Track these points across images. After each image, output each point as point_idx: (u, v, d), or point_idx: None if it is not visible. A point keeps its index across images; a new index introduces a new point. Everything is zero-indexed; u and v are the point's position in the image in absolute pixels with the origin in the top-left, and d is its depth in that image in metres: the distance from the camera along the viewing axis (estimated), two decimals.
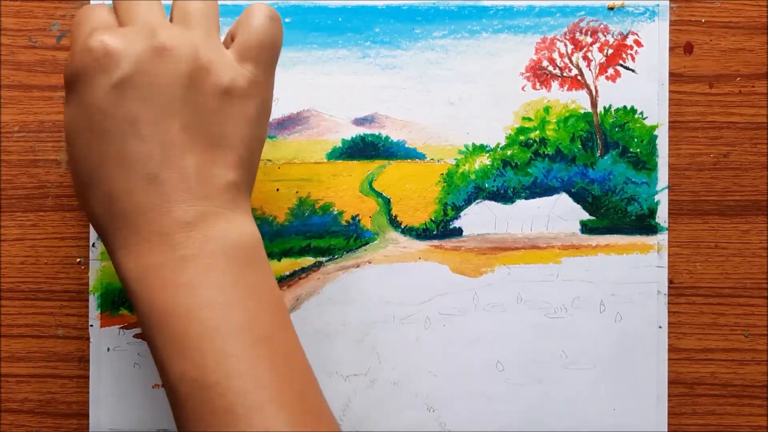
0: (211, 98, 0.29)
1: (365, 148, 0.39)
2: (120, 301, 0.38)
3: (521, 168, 0.39)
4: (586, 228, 0.39)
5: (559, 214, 0.39)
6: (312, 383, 0.29)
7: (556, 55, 0.39)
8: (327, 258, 0.38)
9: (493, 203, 0.39)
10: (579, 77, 0.39)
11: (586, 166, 0.39)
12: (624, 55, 0.39)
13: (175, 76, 0.28)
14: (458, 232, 0.39)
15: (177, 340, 0.27)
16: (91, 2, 0.30)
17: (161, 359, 0.28)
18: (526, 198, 0.39)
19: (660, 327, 0.38)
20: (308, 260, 0.38)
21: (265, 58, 0.30)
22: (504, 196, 0.39)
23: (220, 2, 0.38)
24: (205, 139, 0.29)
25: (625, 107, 0.39)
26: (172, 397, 0.28)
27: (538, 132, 0.39)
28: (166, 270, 0.28)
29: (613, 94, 0.39)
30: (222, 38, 0.31)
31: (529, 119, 0.39)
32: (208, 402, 0.26)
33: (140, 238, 0.28)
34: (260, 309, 0.28)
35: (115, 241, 0.29)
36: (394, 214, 0.39)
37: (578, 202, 0.39)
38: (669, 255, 0.39)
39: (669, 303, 0.39)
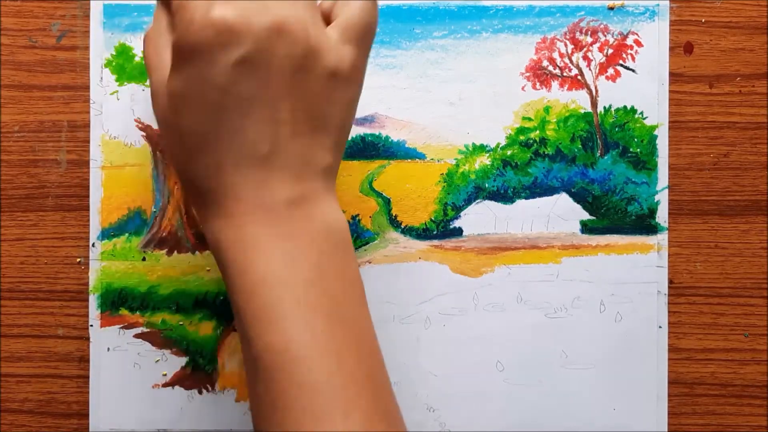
0: (319, 81, 0.29)
1: (365, 148, 0.39)
2: (120, 301, 0.38)
3: (521, 168, 0.39)
4: (586, 228, 0.39)
5: (559, 214, 0.39)
6: (386, 375, 0.30)
7: (556, 55, 0.39)
8: None
9: (493, 203, 0.39)
10: (579, 77, 0.39)
11: (586, 166, 0.39)
12: (624, 55, 0.39)
13: (290, 57, 0.28)
14: (458, 232, 0.39)
15: (268, 310, 0.27)
16: None
17: (248, 327, 0.28)
18: (526, 198, 0.39)
19: (660, 327, 0.38)
20: None
21: (364, 41, 0.30)
22: (504, 196, 0.39)
23: None
24: (311, 122, 0.29)
25: (625, 107, 0.39)
26: (253, 366, 0.28)
27: (538, 132, 0.39)
28: (265, 242, 0.28)
29: (613, 94, 0.39)
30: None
31: (529, 119, 0.39)
32: (294, 375, 0.27)
33: (243, 209, 0.29)
34: (346, 292, 0.29)
35: (216, 209, 0.29)
36: (394, 214, 0.39)
37: (578, 202, 0.39)
38: (669, 255, 0.39)
39: (669, 303, 0.39)
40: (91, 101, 0.38)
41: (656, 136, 0.39)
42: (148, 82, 0.32)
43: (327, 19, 0.30)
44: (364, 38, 0.30)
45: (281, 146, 0.29)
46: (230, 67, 0.27)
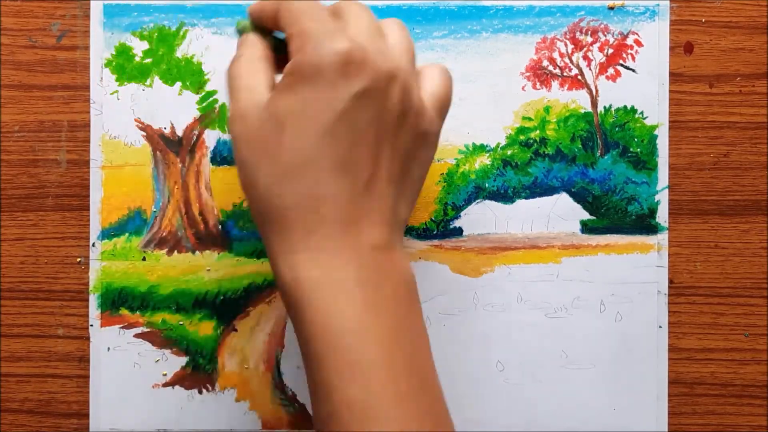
0: (415, 138, 0.30)
1: None
2: (120, 301, 0.38)
3: (521, 168, 0.39)
4: (587, 228, 0.39)
5: (559, 213, 0.39)
6: (449, 417, 0.30)
7: (556, 55, 0.39)
8: None
9: (493, 203, 0.39)
10: (579, 77, 0.39)
11: (587, 166, 0.39)
12: (624, 55, 0.39)
13: (400, 105, 0.29)
14: (458, 231, 0.39)
15: (351, 364, 0.27)
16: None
17: (327, 378, 0.27)
18: (527, 198, 0.39)
19: (660, 327, 0.38)
20: None
21: (445, 113, 0.31)
22: (504, 196, 0.39)
23: (219, 3, 0.38)
24: (401, 174, 0.30)
25: (625, 107, 0.39)
26: (327, 417, 0.27)
27: (538, 132, 0.39)
28: (351, 288, 0.28)
29: (614, 94, 0.39)
30: None
31: (530, 119, 0.39)
32: (372, 429, 0.26)
33: (331, 246, 0.28)
34: (422, 347, 0.29)
35: (302, 242, 0.28)
36: None
37: (578, 202, 0.39)
38: (669, 255, 0.39)
39: (669, 303, 0.39)
40: (91, 101, 0.38)
41: (656, 136, 0.39)
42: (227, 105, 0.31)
43: None
44: (444, 110, 0.31)
45: (377, 187, 0.29)
46: (351, 95, 0.28)
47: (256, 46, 0.31)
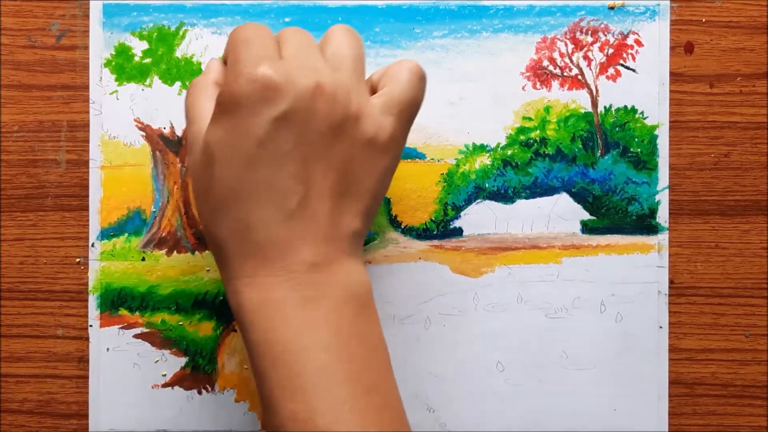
0: (355, 147, 0.29)
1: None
2: (119, 302, 0.38)
3: (522, 168, 0.39)
4: (587, 228, 0.39)
5: (559, 214, 0.39)
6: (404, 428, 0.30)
7: (556, 55, 0.38)
8: None
9: (493, 203, 0.39)
10: (579, 77, 0.39)
11: (587, 166, 0.39)
12: (624, 55, 0.39)
13: (329, 119, 0.28)
14: (458, 232, 0.39)
15: (292, 378, 0.28)
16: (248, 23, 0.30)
17: (272, 395, 0.28)
18: (527, 198, 0.39)
19: (660, 327, 0.38)
20: None
21: (407, 114, 0.30)
22: (504, 196, 0.39)
23: (219, 2, 0.38)
24: (342, 186, 0.29)
25: (625, 107, 0.39)
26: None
27: (538, 132, 0.39)
28: (288, 307, 0.28)
29: (614, 94, 0.39)
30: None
31: (530, 119, 0.39)
32: None
33: (266, 271, 0.29)
34: (370, 357, 0.29)
35: (239, 269, 0.29)
36: (394, 214, 0.39)
37: (579, 202, 0.39)
38: (669, 255, 0.39)
39: (669, 303, 0.39)
40: (90, 101, 0.38)
41: (657, 136, 0.39)
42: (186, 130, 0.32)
43: (374, 88, 0.31)
44: (406, 112, 0.30)
45: (310, 206, 0.29)
46: (270, 121, 0.28)
47: (213, 70, 0.32)
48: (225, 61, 0.31)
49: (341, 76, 0.29)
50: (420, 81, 0.31)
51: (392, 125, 0.30)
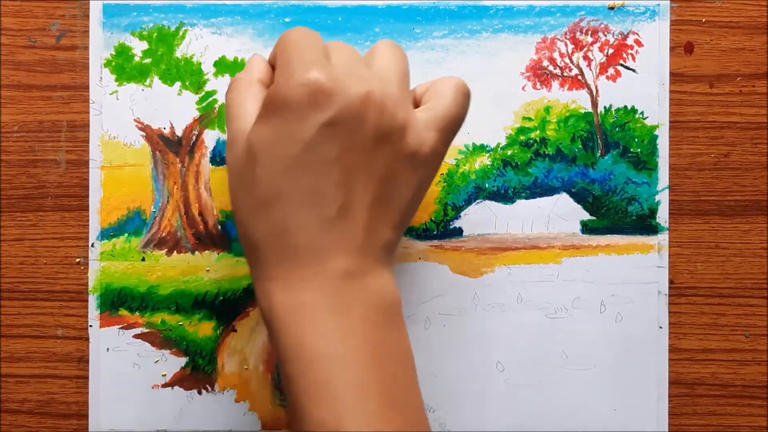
0: (398, 159, 0.29)
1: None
2: (119, 302, 0.38)
3: (522, 168, 0.39)
4: (587, 228, 0.39)
5: (559, 214, 0.39)
6: None
7: (556, 55, 0.38)
8: None
9: (493, 203, 0.39)
10: (579, 77, 0.39)
11: (587, 166, 0.39)
12: (624, 55, 0.39)
13: (376, 129, 0.28)
14: (458, 232, 0.39)
15: (320, 386, 0.27)
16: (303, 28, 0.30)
17: (299, 401, 0.28)
18: (527, 198, 0.39)
19: (660, 327, 0.38)
20: None
21: (449, 130, 0.31)
22: (504, 196, 0.39)
23: (219, 2, 0.38)
24: (381, 196, 0.29)
25: (625, 107, 0.39)
26: None
27: (538, 132, 0.39)
28: (320, 313, 0.28)
29: (614, 94, 0.39)
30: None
31: (530, 119, 0.39)
32: None
33: (301, 275, 0.28)
34: (398, 369, 0.29)
35: (273, 271, 0.29)
36: None
37: (579, 202, 0.39)
38: (669, 255, 0.39)
39: (669, 303, 0.39)
40: (90, 101, 0.38)
41: (657, 136, 0.39)
42: (226, 129, 0.32)
43: (417, 102, 0.31)
44: (449, 128, 0.30)
45: (349, 215, 0.29)
46: (318, 126, 0.28)
47: (256, 68, 0.32)
48: (271, 60, 0.31)
49: (389, 89, 0.29)
50: (465, 98, 0.31)
51: (435, 140, 0.30)
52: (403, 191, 0.30)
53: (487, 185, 0.39)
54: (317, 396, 0.27)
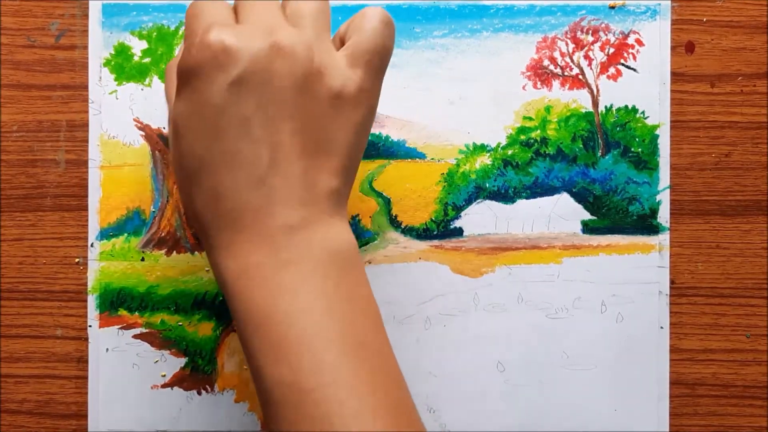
0: (322, 103, 0.28)
1: (365, 148, 0.38)
2: (119, 302, 0.38)
3: (522, 168, 0.39)
4: (587, 228, 0.39)
5: (560, 214, 0.39)
6: (404, 389, 0.29)
7: (557, 54, 0.38)
8: None
9: (493, 203, 0.39)
10: (580, 76, 0.38)
11: (588, 166, 0.39)
12: (625, 55, 0.38)
13: (290, 77, 0.28)
14: (459, 232, 0.39)
15: (275, 344, 0.27)
16: None
17: (257, 362, 0.27)
18: (527, 198, 0.39)
19: (661, 327, 0.38)
20: None
21: (375, 64, 0.29)
22: (505, 196, 0.39)
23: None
24: (313, 144, 0.28)
25: (626, 107, 0.38)
26: (264, 400, 0.28)
27: (539, 131, 0.39)
28: (267, 271, 0.28)
29: (615, 94, 0.38)
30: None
31: (530, 119, 0.38)
32: (304, 408, 0.26)
33: (243, 238, 0.28)
34: (357, 315, 0.28)
35: (217, 239, 0.29)
36: (394, 214, 0.38)
37: (579, 202, 0.39)
38: (670, 255, 0.38)
39: (670, 303, 0.38)
40: (89, 101, 0.38)
41: (657, 136, 0.38)
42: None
43: (343, 42, 0.30)
44: (374, 61, 0.29)
45: (280, 169, 0.28)
46: (227, 86, 0.27)
47: (179, 53, 0.32)
48: None
49: (301, 33, 0.28)
50: (386, 27, 0.29)
51: (360, 77, 0.29)
52: (339, 135, 0.29)
53: (487, 185, 0.39)
54: (271, 354, 0.27)
